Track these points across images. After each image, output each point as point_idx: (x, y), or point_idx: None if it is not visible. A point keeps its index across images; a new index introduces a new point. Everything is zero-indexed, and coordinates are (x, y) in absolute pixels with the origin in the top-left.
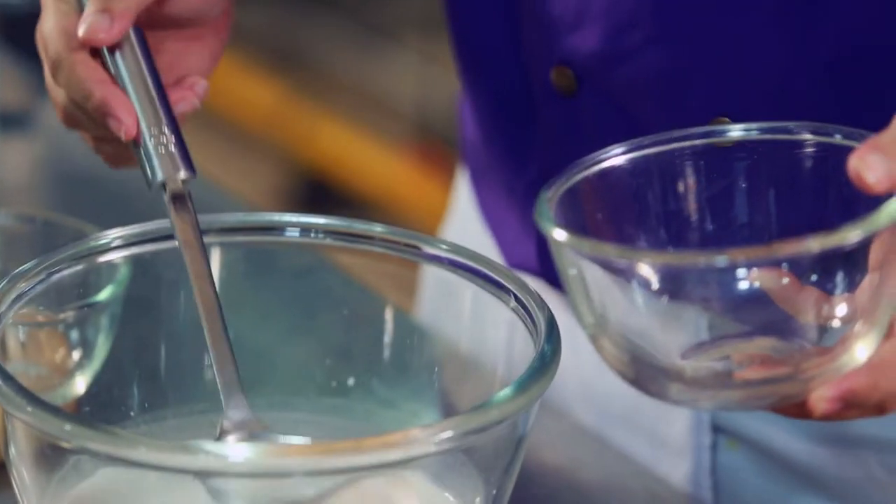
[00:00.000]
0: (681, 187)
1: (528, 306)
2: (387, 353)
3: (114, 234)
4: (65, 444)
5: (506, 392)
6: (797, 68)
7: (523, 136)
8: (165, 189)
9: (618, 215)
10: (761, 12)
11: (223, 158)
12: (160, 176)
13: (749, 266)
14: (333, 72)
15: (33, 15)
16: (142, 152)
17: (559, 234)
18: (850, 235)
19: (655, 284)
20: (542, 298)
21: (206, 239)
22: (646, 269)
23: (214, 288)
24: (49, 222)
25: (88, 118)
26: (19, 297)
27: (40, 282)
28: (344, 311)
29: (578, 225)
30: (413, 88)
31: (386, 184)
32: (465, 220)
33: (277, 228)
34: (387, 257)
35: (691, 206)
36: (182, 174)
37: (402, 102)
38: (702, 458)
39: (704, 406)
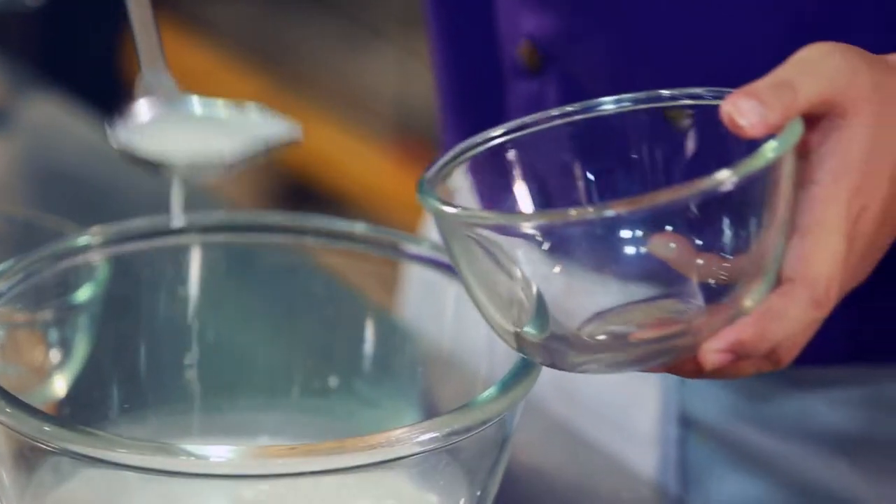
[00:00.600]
0: (564, 164)
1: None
2: (369, 352)
3: (93, 234)
4: (44, 446)
5: (490, 392)
6: (752, 45)
7: (493, 115)
8: None
9: (502, 195)
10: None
11: None
12: None
13: (629, 220)
14: (314, 68)
15: (13, 13)
16: None
17: (446, 209)
18: (725, 179)
19: (543, 251)
20: (525, 299)
21: (187, 238)
22: (531, 235)
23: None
24: (28, 221)
25: None
26: None
27: (19, 281)
28: (326, 311)
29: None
30: (394, 85)
31: (367, 180)
32: None
33: (258, 227)
34: (368, 256)
35: (576, 182)
36: None
37: (383, 99)
38: (669, 450)
39: (601, 369)
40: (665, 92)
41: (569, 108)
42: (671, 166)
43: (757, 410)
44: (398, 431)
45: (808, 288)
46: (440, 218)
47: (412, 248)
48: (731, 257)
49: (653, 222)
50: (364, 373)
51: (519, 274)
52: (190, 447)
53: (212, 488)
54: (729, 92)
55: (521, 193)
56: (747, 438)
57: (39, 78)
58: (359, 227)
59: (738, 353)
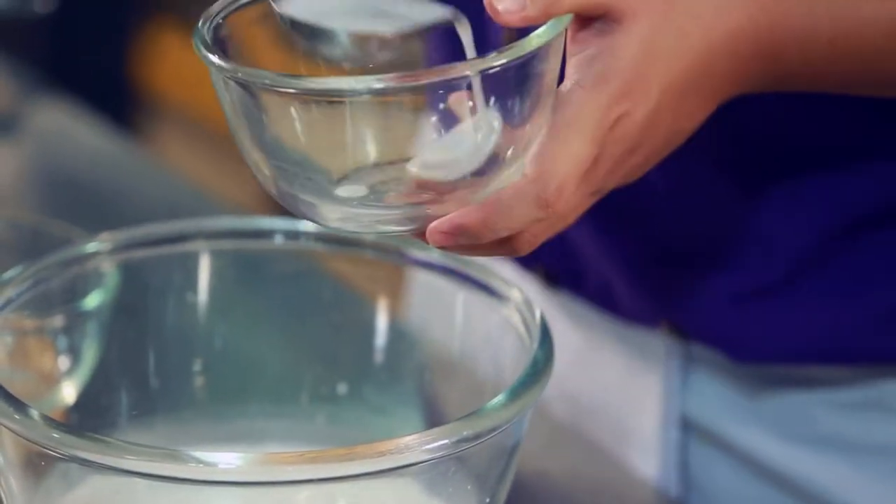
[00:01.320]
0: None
1: (520, 311)
2: (377, 359)
3: (102, 240)
4: (52, 452)
5: (499, 399)
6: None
7: None
8: None
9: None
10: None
11: (211, 163)
12: None
13: (404, 90)
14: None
15: (21, 19)
16: None
17: (215, 59)
18: (494, 60)
19: (310, 110)
20: (533, 303)
21: (195, 244)
22: (297, 95)
23: None
24: (37, 227)
25: None
26: (7, 303)
27: (28, 288)
28: (333, 317)
29: (238, 53)
30: None
31: None
32: None
33: (267, 233)
34: (376, 262)
35: (352, 45)
36: None
37: None
38: (670, 453)
39: (353, 227)
40: None
41: None
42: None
43: (757, 413)
44: (407, 439)
45: (537, 186)
46: (213, 72)
47: (419, 254)
48: (492, 139)
49: (418, 94)
50: (373, 379)
51: (286, 124)
52: (199, 454)
53: (221, 495)
54: None
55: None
56: (748, 441)
57: (48, 84)
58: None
59: (461, 236)
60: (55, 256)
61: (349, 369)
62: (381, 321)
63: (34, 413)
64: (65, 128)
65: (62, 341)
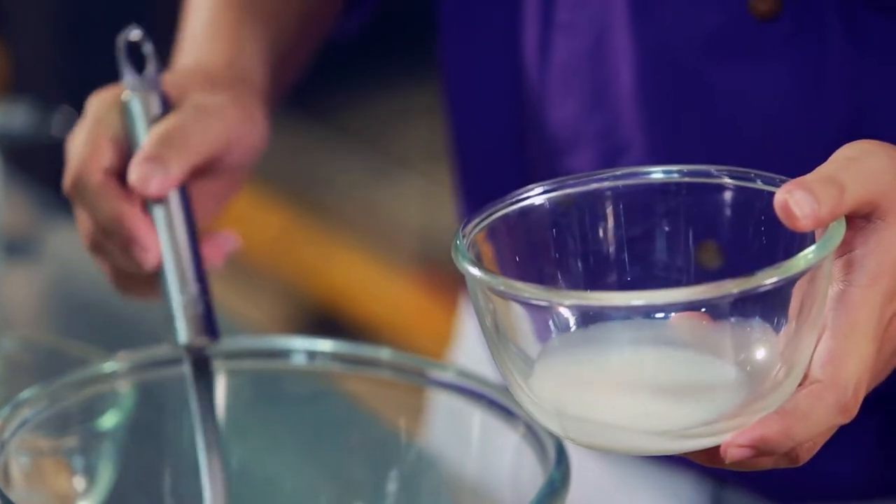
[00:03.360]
0: (601, 228)
1: (537, 431)
2: (394, 480)
3: (118, 361)
4: None
5: None
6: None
7: None
8: (188, 351)
9: (538, 255)
10: (747, 139)
11: (228, 284)
12: (183, 339)
13: (668, 309)
14: (340, 198)
15: (38, 143)
16: (171, 308)
17: (475, 272)
18: (767, 279)
19: (574, 326)
20: None
21: (212, 364)
22: (564, 310)
23: (221, 461)
24: (53, 348)
25: (112, 246)
26: (23, 423)
27: (44, 408)
28: (351, 438)
29: (498, 263)
30: (418, 215)
31: (392, 310)
32: (471, 345)
33: (284, 353)
34: (394, 383)
35: (611, 247)
36: (205, 339)
37: (408, 229)
38: None
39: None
40: (714, 169)
41: (617, 172)
42: (708, 242)
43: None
44: None
45: (837, 392)
46: (469, 279)
47: (438, 375)
48: (762, 348)
49: (683, 310)
50: (389, 500)
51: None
52: None
53: None
54: (775, 178)
55: (549, 256)
56: None
57: (65, 206)
58: (384, 354)
59: (761, 450)
60: (71, 377)
61: (366, 490)
62: (399, 442)
63: None
64: (82, 249)
65: (78, 461)
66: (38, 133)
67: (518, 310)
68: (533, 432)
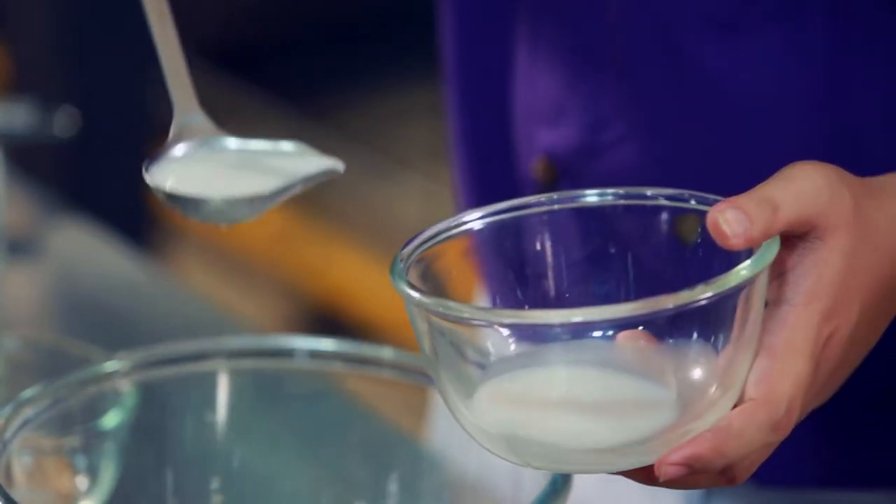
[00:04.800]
0: (538, 252)
1: None
2: (396, 479)
3: (120, 360)
4: None
5: None
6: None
7: None
8: None
9: (478, 278)
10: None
11: (229, 284)
12: None
13: (605, 325)
14: (340, 198)
15: (40, 142)
16: None
17: (413, 293)
18: (701, 294)
19: (514, 346)
20: None
21: (214, 364)
22: (503, 330)
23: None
24: (55, 348)
25: None
26: (25, 423)
27: (46, 408)
28: (353, 437)
29: (435, 286)
30: (418, 214)
31: (393, 310)
32: None
33: (285, 352)
34: (395, 382)
35: (549, 270)
36: None
37: (408, 228)
38: None
39: (555, 467)
40: (648, 191)
41: (554, 196)
42: (644, 263)
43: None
44: None
45: (770, 410)
46: (407, 301)
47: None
48: (699, 367)
49: (621, 327)
50: (391, 499)
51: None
52: None
53: None
54: (709, 198)
55: (490, 280)
56: None
57: (68, 206)
58: (386, 353)
59: (694, 468)
60: (73, 376)
61: (368, 490)
62: (401, 441)
63: None
64: (83, 249)
65: (80, 461)
66: (40, 133)
67: (457, 331)
68: None
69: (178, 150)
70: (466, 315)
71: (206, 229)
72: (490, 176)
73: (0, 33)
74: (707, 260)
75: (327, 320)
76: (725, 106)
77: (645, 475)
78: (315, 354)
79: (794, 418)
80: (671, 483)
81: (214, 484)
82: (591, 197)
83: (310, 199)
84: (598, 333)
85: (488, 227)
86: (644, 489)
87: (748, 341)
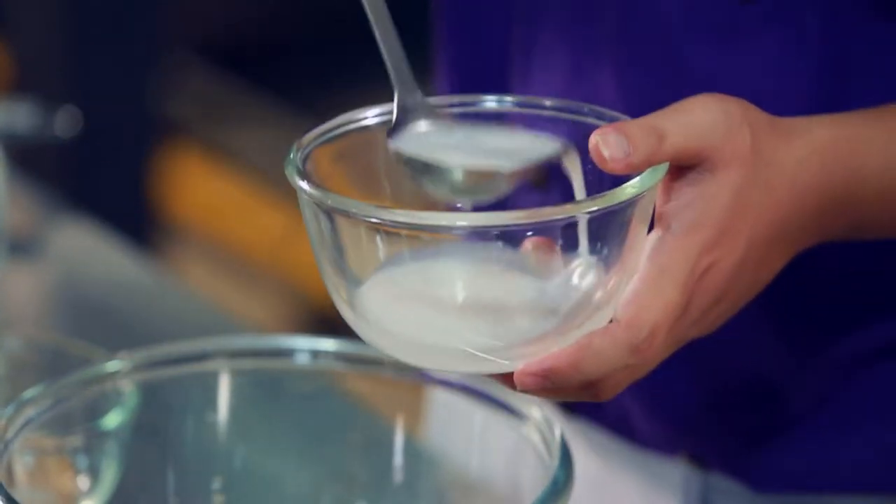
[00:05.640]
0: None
1: (540, 430)
2: (396, 478)
3: (122, 360)
4: None
5: None
6: None
7: None
8: None
9: (375, 177)
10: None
11: (230, 283)
12: None
13: (489, 231)
14: None
15: (42, 142)
16: None
17: (304, 185)
18: (586, 208)
19: (403, 247)
20: (553, 422)
21: (215, 364)
22: (392, 229)
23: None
24: (57, 347)
25: None
26: (26, 422)
27: (48, 407)
28: (353, 437)
29: (334, 180)
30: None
31: None
32: None
33: (286, 352)
34: (396, 382)
35: (448, 172)
36: None
37: None
38: None
39: (427, 363)
40: (547, 101)
41: (454, 99)
42: (544, 170)
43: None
44: None
45: (631, 333)
46: (300, 193)
47: (440, 374)
48: (576, 282)
49: (507, 234)
50: (391, 498)
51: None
52: None
53: None
54: (612, 116)
55: (386, 179)
56: None
57: (69, 206)
58: None
59: (551, 380)
60: (75, 376)
61: (368, 489)
62: (401, 440)
63: None
64: (85, 249)
65: (82, 461)
66: (42, 133)
67: (348, 228)
68: (537, 430)
69: (418, 125)
70: (356, 211)
71: (208, 228)
72: None
73: (1, 33)
74: (599, 177)
75: (328, 320)
76: None
77: (506, 381)
78: (316, 354)
79: (657, 344)
80: (530, 393)
81: (216, 484)
82: (490, 103)
83: None
84: (485, 239)
85: (382, 126)
86: (637, 489)
87: (629, 262)
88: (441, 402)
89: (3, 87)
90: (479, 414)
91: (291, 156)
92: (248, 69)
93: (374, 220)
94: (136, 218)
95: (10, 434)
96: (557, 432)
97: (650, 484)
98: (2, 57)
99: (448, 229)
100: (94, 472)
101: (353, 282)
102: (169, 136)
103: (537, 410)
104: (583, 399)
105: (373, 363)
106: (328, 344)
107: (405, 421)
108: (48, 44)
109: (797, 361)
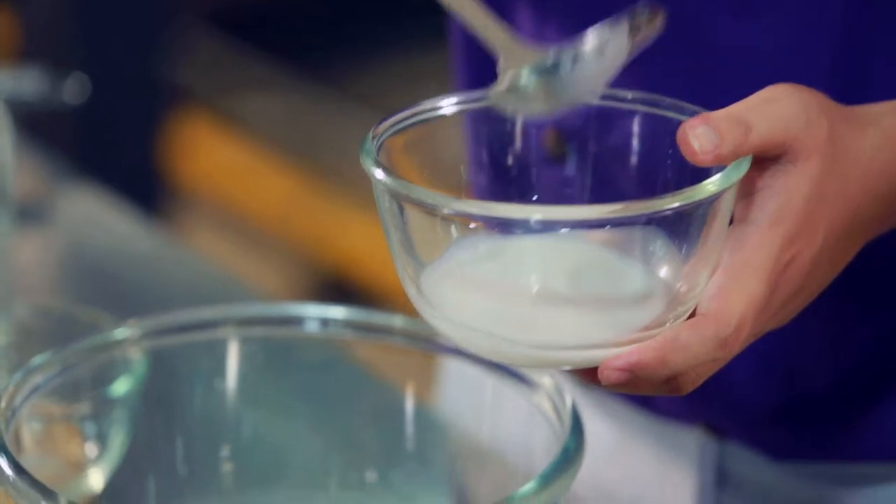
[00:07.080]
0: (516, 146)
1: (551, 398)
2: (406, 446)
3: (130, 327)
4: None
5: (530, 486)
6: None
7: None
8: None
9: (452, 166)
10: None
11: (239, 250)
12: None
13: (568, 225)
14: (350, 162)
15: (49, 109)
16: None
17: (380, 174)
18: (665, 204)
19: (478, 237)
20: (564, 390)
21: (224, 331)
22: (467, 219)
23: None
24: (65, 314)
25: None
26: (34, 389)
27: (56, 374)
28: (363, 405)
29: (411, 170)
30: None
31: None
32: None
33: (296, 320)
34: (406, 350)
35: (524, 166)
36: None
37: None
38: None
39: (498, 358)
40: (628, 94)
41: None
42: (619, 162)
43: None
44: None
45: (718, 326)
46: (375, 182)
47: (447, 341)
48: (665, 275)
49: (589, 229)
50: (401, 467)
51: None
52: None
53: None
54: (692, 109)
55: (464, 168)
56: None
57: (78, 172)
58: (397, 321)
59: (636, 375)
60: (83, 343)
61: (378, 457)
62: (411, 408)
63: (62, 500)
64: (94, 215)
65: (90, 428)
66: (50, 99)
67: (422, 218)
68: (546, 399)
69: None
70: (432, 202)
71: (217, 194)
72: (499, 145)
73: (9, 1)
74: (681, 168)
75: (338, 288)
76: (740, 84)
77: (590, 377)
78: (325, 322)
79: (743, 337)
80: (613, 387)
81: (224, 451)
82: None
83: (320, 164)
84: (565, 233)
85: (465, 115)
86: (653, 457)
87: (709, 256)
88: (452, 371)
89: (12, 53)
90: (490, 382)
91: (367, 144)
92: (257, 35)
93: (447, 210)
94: (144, 185)
95: (17, 401)
96: (568, 400)
97: (666, 452)
98: (10, 23)
99: (527, 223)
100: (102, 440)
101: (420, 265)
102: (177, 103)
103: (548, 379)
104: (662, 393)
105: (383, 331)
106: (338, 312)
107: (415, 389)
108: (56, 10)
109: (827, 340)
